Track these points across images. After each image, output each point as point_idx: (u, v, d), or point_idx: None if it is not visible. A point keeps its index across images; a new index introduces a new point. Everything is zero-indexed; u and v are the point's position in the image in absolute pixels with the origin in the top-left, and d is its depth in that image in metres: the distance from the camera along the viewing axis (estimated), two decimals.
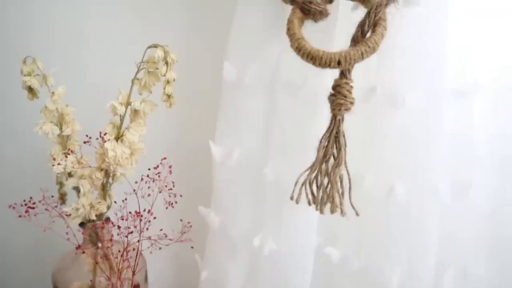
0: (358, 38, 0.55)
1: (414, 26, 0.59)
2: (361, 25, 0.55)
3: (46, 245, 0.84)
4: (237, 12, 0.70)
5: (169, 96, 0.70)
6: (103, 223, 0.71)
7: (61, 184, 0.77)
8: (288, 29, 0.57)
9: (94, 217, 0.71)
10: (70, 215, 0.70)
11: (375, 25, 0.54)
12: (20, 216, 0.66)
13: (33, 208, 0.66)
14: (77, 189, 0.72)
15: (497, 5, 0.63)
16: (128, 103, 0.70)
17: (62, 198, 0.78)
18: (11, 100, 0.89)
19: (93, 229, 0.71)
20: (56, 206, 0.70)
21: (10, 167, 0.94)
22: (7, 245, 0.98)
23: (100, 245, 0.73)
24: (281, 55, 0.66)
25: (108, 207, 0.73)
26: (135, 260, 0.70)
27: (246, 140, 0.72)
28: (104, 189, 0.73)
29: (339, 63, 0.53)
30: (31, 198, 0.67)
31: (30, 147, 0.91)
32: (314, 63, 0.54)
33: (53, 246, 0.76)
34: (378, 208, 0.66)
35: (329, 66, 0.54)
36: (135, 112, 0.71)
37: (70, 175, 0.72)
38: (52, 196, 0.72)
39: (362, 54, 0.53)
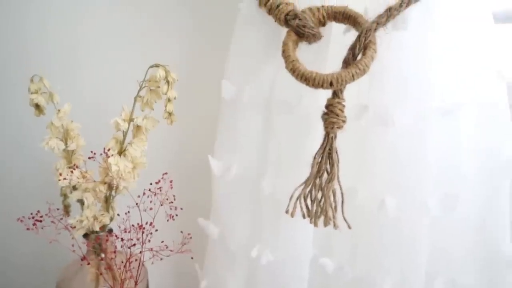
0: (349, 60, 0.57)
1: (402, 49, 0.60)
2: (352, 48, 0.57)
3: (50, 255, 0.86)
4: (235, 33, 0.71)
5: (170, 113, 0.72)
6: (107, 235, 0.73)
7: (65, 196, 0.78)
8: (283, 51, 0.59)
9: (97, 229, 0.73)
10: (75, 227, 0.72)
11: (365, 48, 0.57)
12: (28, 229, 0.68)
13: (41, 221, 0.68)
14: (81, 201, 0.74)
15: (479, 28, 0.65)
16: (130, 120, 0.72)
17: (66, 209, 0.79)
18: (15, 115, 0.91)
19: (98, 241, 0.73)
20: (61, 219, 0.72)
21: (15, 179, 0.96)
22: (12, 255, 1.00)
23: (103, 256, 0.74)
24: (277, 75, 0.67)
25: (111, 219, 0.75)
26: (137, 270, 0.72)
27: (244, 155, 0.73)
28: (107, 202, 0.75)
29: (331, 84, 0.56)
30: (38, 211, 0.69)
31: (34, 161, 0.92)
32: (307, 84, 0.57)
33: (57, 256, 0.77)
34: (371, 220, 0.67)
35: (322, 86, 0.56)
36: (138, 128, 0.73)
37: (74, 188, 0.74)
38: (58, 209, 0.74)
39: (353, 75, 0.56)
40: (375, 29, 0.57)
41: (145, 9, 0.87)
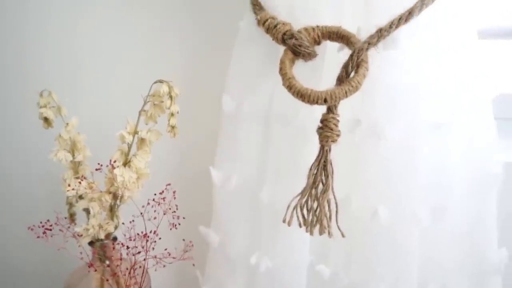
0: (343, 78, 0.60)
1: (392, 66, 0.63)
2: (345, 66, 0.60)
3: (56, 262, 0.88)
4: (235, 50, 0.73)
5: (173, 127, 0.74)
6: (113, 244, 0.76)
7: (70, 205, 0.81)
8: (281, 69, 0.62)
9: (102, 237, 0.75)
10: (81, 235, 0.74)
11: (357, 66, 0.59)
12: (38, 237, 0.70)
13: (51, 229, 0.71)
14: (87, 210, 0.76)
15: (465, 46, 0.67)
16: (135, 132, 0.74)
17: (72, 218, 0.81)
18: (20, 128, 0.94)
19: (104, 249, 0.75)
20: (69, 227, 0.75)
21: (22, 190, 0.98)
22: (19, 263, 1.01)
23: (108, 263, 0.76)
24: (275, 90, 0.69)
25: (116, 227, 0.77)
26: (142, 277, 0.74)
27: (243, 166, 0.75)
28: (112, 211, 0.77)
29: (325, 100, 0.59)
30: (48, 220, 0.71)
31: (40, 171, 0.95)
32: (303, 100, 0.60)
33: (63, 263, 0.80)
34: (364, 229, 0.70)
35: (317, 103, 0.59)
36: (142, 140, 0.75)
37: (80, 197, 0.76)
38: (65, 218, 0.77)
39: (346, 92, 0.59)
40: (367, 49, 0.60)
41: (148, 26, 0.89)
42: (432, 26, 0.64)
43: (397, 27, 0.60)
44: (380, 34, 0.60)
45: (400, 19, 0.60)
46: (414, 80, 0.64)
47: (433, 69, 0.65)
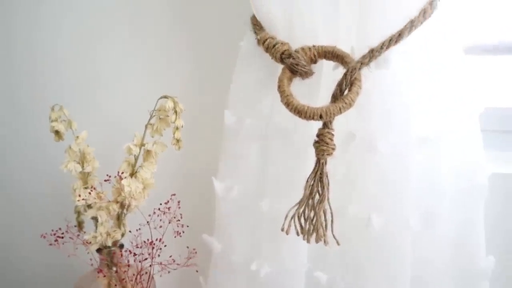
0: (337, 95, 0.63)
1: (385, 84, 0.66)
2: (340, 84, 0.63)
3: (67, 266, 0.89)
4: (236, 68, 0.76)
5: (178, 140, 0.77)
6: (121, 251, 0.79)
7: (79, 213, 0.84)
8: (279, 87, 0.65)
9: (110, 244, 0.79)
10: (90, 242, 0.77)
11: (351, 84, 0.62)
12: (50, 244, 0.73)
13: (62, 237, 0.74)
14: (95, 218, 0.79)
15: (454, 64, 0.71)
16: (142, 145, 0.78)
17: (80, 226, 0.84)
18: (32, 142, 0.98)
19: (112, 255, 0.78)
20: (78, 235, 0.78)
21: (33, 196, 1.01)
22: (31, 268, 1.04)
23: (116, 269, 0.79)
24: (274, 106, 0.71)
25: (123, 235, 0.80)
26: (148, 283, 0.77)
27: (244, 178, 0.77)
28: (119, 219, 0.80)
29: (321, 116, 0.62)
30: (59, 228, 0.75)
31: (49, 181, 0.98)
32: (300, 116, 0.62)
33: (73, 268, 0.83)
34: (360, 236, 0.72)
35: (313, 119, 0.62)
36: (148, 152, 0.79)
37: (89, 206, 0.79)
38: (75, 226, 0.80)
39: (340, 109, 0.62)
40: (360, 68, 0.63)
41: (155, 46, 0.92)
42: (421, 45, 0.67)
43: (388, 47, 0.63)
44: (372, 54, 0.63)
45: (390, 40, 0.63)
46: (405, 97, 0.67)
47: (423, 86, 0.68)
